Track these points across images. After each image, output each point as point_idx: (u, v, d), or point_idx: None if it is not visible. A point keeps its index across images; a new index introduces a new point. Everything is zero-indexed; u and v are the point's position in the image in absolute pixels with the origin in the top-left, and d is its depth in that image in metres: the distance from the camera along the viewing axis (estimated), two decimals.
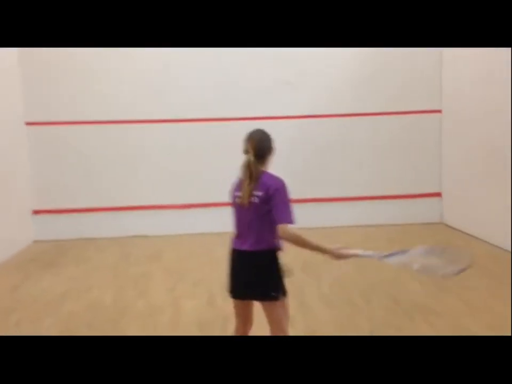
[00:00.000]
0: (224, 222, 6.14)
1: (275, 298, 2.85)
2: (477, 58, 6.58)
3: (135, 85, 7.37)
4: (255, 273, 2.85)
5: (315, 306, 4.52)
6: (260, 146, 2.89)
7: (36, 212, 7.36)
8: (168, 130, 7.45)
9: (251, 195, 2.80)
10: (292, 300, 4.32)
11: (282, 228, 2.68)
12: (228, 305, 3.77)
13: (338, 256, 2.79)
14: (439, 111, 7.66)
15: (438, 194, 7.77)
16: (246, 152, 2.90)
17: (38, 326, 4.23)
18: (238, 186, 2.93)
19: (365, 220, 7.67)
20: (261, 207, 2.78)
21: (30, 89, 7.19)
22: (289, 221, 2.71)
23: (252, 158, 2.85)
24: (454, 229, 7.32)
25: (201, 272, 5.61)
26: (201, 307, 4.58)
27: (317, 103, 7.58)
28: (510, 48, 5.82)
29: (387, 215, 7.70)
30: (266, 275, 2.85)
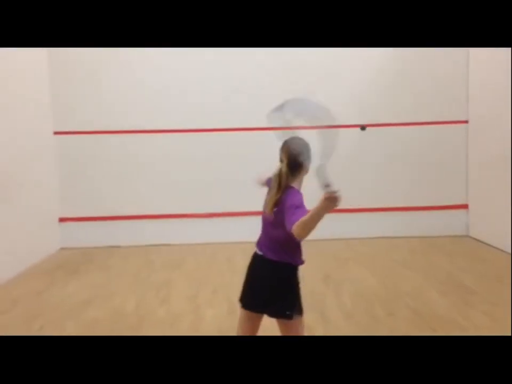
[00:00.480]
0: (245, 232, 6.14)
1: (289, 317, 2.69)
2: (506, 61, 6.34)
3: (161, 94, 7.47)
4: (271, 287, 2.72)
5: (335, 318, 4.47)
6: (293, 156, 2.71)
7: (62, 220, 7.51)
8: (191, 139, 7.52)
9: (273, 209, 2.70)
10: (312, 312, 4.31)
11: (292, 231, 2.41)
12: None
13: (331, 202, 2.30)
14: (466, 122, 7.55)
15: (465, 206, 7.62)
16: (281, 161, 2.75)
17: (61, 332, 4.29)
18: (268, 193, 2.83)
19: (388, 232, 7.58)
20: (276, 221, 2.70)
21: (58, 99, 7.38)
22: (293, 221, 2.42)
23: (285, 169, 2.69)
24: (480, 241, 7.18)
25: (222, 281, 5.63)
26: (221, 316, 4.58)
27: (334, 113, 7.48)
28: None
29: (411, 227, 7.60)
30: (282, 291, 2.72)
